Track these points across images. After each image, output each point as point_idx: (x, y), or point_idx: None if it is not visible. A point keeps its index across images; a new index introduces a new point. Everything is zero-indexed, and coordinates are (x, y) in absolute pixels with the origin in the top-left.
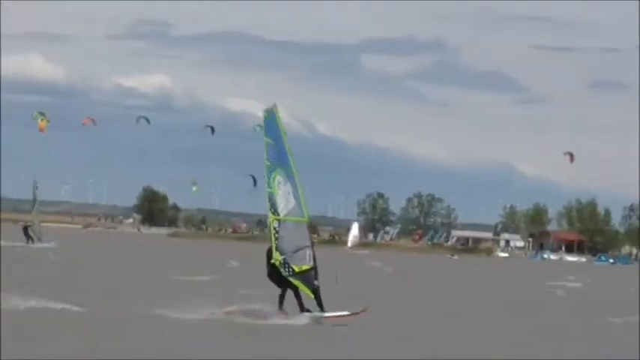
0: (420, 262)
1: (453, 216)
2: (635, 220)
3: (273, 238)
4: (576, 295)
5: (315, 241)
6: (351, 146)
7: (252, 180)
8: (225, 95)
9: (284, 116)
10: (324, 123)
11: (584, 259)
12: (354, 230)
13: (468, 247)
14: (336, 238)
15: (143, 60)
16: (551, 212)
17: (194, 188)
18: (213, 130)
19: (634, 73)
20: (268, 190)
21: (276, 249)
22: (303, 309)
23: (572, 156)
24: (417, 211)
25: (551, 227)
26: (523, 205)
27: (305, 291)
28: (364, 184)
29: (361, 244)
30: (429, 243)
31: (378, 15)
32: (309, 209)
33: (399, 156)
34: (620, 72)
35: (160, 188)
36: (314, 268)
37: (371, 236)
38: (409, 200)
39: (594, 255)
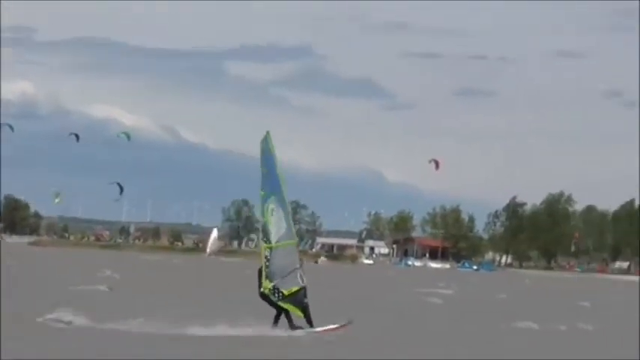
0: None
1: (317, 223)
2: (498, 227)
3: (264, 267)
4: (454, 302)
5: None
6: (215, 153)
7: (117, 188)
8: (90, 102)
9: (147, 123)
10: (189, 129)
11: (447, 266)
12: (213, 237)
13: (333, 253)
14: (200, 245)
15: (5, 66)
16: (416, 219)
17: (57, 200)
18: (77, 137)
19: (500, 80)
20: (263, 219)
21: (267, 276)
22: (293, 327)
23: (437, 163)
24: None
25: (416, 234)
26: (388, 212)
27: (295, 312)
28: (229, 191)
29: (226, 251)
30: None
31: (244, 22)
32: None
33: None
34: (487, 79)
35: (22, 196)
36: (303, 287)
37: (236, 243)
38: None
39: (458, 261)
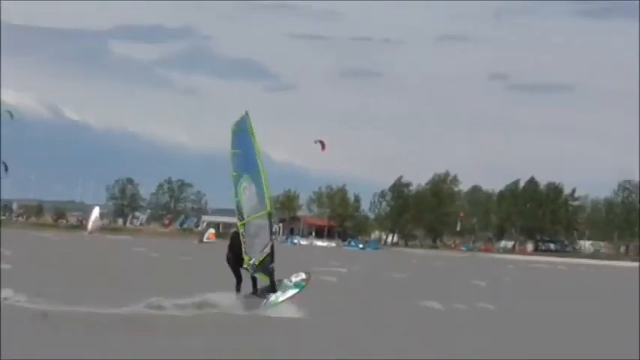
0: (181, 247)
1: (203, 201)
2: (384, 207)
3: (242, 244)
4: (351, 281)
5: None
6: (100, 132)
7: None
8: None
9: (31, 102)
10: (73, 108)
11: (333, 244)
12: (95, 215)
13: (220, 232)
14: (84, 223)
15: None
16: (302, 198)
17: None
18: None
19: (385, 62)
20: (235, 199)
21: (245, 253)
22: (255, 292)
23: (323, 144)
24: (167, 196)
25: (302, 213)
26: (274, 191)
27: (262, 278)
28: (114, 169)
29: (111, 228)
30: (180, 228)
31: (127, 2)
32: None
33: (149, 142)
34: (371, 60)
35: None
36: (271, 254)
37: (120, 221)
38: (159, 186)
39: (344, 240)
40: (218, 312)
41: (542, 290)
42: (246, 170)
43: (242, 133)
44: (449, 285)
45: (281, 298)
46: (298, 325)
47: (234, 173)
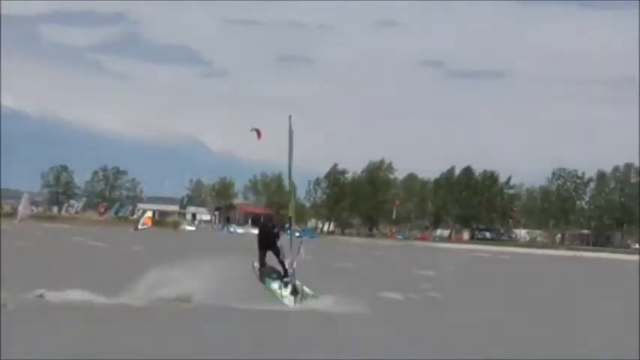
0: (120, 235)
1: (138, 189)
2: (320, 195)
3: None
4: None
5: None
6: (34, 119)
7: None
8: None
9: None
10: (6, 95)
11: None
12: (24, 202)
13: (155, 219)
14: (17, 210)
15: None
16: (238, 186)
17: None
18: None
19: (318, 48)
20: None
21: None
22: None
23: (259, 133)
24: (102, 184)
25: (238, 201)
26: (209, 179)
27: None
28: (48, 157)
29: (46, 216)
30: (115, 216)
31: None
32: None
33: (84, 129)
34: (305, 46)
35: None
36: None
37: (55, 209)
38: (94, 173)
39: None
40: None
41: (491, 279)
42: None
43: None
44: (398, 275)
45: (284, 295)
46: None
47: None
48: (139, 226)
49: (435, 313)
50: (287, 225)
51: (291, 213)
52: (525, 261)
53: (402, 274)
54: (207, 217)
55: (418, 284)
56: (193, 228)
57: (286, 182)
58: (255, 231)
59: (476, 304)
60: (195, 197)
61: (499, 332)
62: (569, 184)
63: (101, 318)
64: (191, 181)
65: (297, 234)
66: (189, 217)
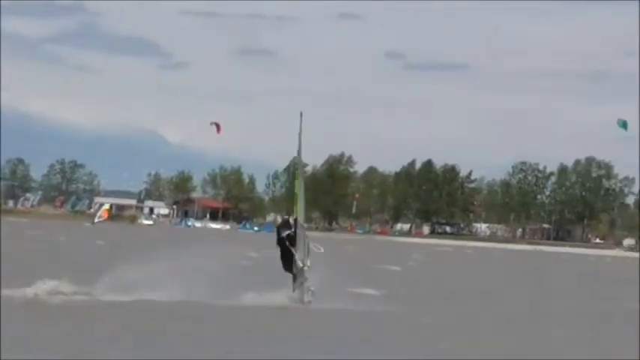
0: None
1: (95, 182)
2: (279, 188)
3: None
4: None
5: None
6: None
7: None
8: None
9: None
10: None
11: (228, 227)
12: None
13: (112, 213)
14: None
15: None
16: (196, 179)
17: None
18: None
19: (279, 40)
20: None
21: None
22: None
23: (218, 127)
24: (59, 177)
25: (196, 194)
26: (167, 172)
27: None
28: (4, 149)
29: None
30: (71, 210)
31: None
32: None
33: (40, 121)
34: (266, 39)
35: None
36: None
37: (11, 203)
38: (51, 166)
39: (239, 222)
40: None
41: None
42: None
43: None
44: (366, 270)
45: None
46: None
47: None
48: (96, 220)
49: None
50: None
51: (299, 213)
52: (491, 255)
53: (369, 270)
54: (165, 211)
55: (388, 280)
56: (151, 222)
57: (245, 176)
58: (215, 225)
59: (445, 301)
60: (153, 191)
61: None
62: (530, 177)
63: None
64: (149, 174)
65: (257, 228)
66: (146, 210)
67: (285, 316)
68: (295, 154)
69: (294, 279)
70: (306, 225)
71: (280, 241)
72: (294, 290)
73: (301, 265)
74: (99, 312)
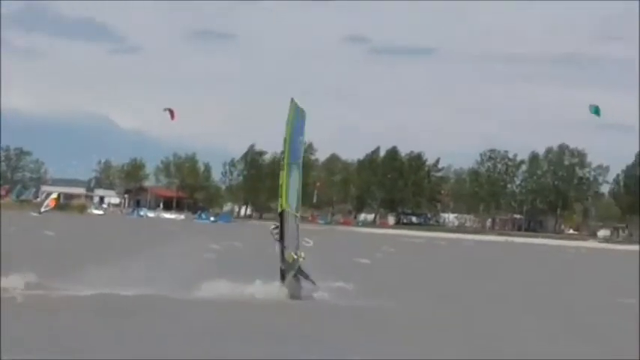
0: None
1: (42, 171)
2: (236, 177)
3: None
4: (234, 258)
5: None
6: None
7: None
8: None
9: None
10: None
11: (182, 217)
12: None
13: (60, 203)
14: None
15: None
16: (149, 167)
17: None
18: None
19: (236, 23)
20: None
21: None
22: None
23: (172, 113)
24: (3, 165)
25: (149, 183)
26: (119, 160)
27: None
28: None
29: None
30: (16, 199)
31: None
32: None
33: None
34: (223, 22)
35: None
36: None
37: None
38: None
39: (194, 212)
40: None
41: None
42: (296, 163)
43: (298, 119)
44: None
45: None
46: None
47: (291, 162)
48: (42, 209)
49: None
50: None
51: (287, 204)
52: (464, 247)
53: (339, 263)
54: (116, 200)
55: (359, 273)
56: (101, 212)
57: (200, 163)
58: (169, 215)
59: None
60: (103, 179)
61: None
62: (499, 166)
63: None
64: (99, 162)
65: (213, 218)
66: (97, 200)
67: (262, 311)
68: (252, 142)
69: (283, 274)
70: (264, 215)
71: None
72: (287, 286)
73: (295, 257)
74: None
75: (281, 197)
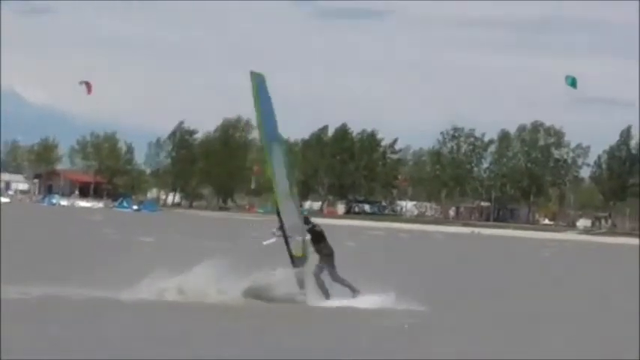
0: None
1: None
2: (163, 159)
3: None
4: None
5: None
6: None
7: None
8: None
9: None
10: None
11: (101, 205)
12: None
13: None
14: None
15: None
16: (62, 148)
17: None
18: None
19: None
20: (276, 170)
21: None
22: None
23: (89, 86)
24: None
25: (62, 166)
26: (27, 140)
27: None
28: None
29: None
30: None
31: None
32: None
33: None
34: None
35: None
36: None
37: None
38: None
39: (115, 200)
40: None
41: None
42: (276, 139)
43: (264, 91)
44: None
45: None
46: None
47: (269, 141)
48: None
49: None
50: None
51: (278, 202)
52: (434, 241)
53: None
54: (24, 186)
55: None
56: (7, 200)
57: (122, 144)
58: (85, 203)
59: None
60: (9, 162)
61: None
62: (464, 146)
63: None
64: (5, 142)
65: (136, 206)
66: (2, 185)
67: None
68: (182, 118)
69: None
70: (195, 203)
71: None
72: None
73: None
74: None
75: (274, 193)
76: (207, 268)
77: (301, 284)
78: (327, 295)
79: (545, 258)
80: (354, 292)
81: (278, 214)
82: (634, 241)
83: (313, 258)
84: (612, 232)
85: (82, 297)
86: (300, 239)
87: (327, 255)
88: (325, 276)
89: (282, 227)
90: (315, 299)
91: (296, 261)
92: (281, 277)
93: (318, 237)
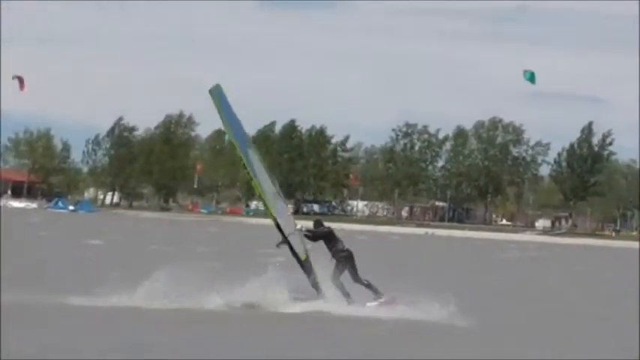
0: None
1: None
2: (101, 157)
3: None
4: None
5: None
6: None
7: None
8: None
9: None
10: None
11: (35, 205)
12: None
13: None
14: None
15: None
16: None
17: None
18: None
19: None
20: (258, 179)
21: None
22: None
23: (22, 81)
24: None
25: None
26: None
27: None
28: None
29: None
30: None
31: None
32: None
33: None
34: None
35: None
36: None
37: None
38: None
39: (49, 200)
40: None
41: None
42: (249, 145)
43: (225, 102)
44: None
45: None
46: None
47: (244, 150)
48: None
49: None
50: None
51: (273, 213)
52: (391, 242)
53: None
54: None
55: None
56: None
57: (57, 141)
58: (18, 204)
59: None
60: None
61: None
62: (418, 143)
63: None
64: None
65: (72, 207)
66: None
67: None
68: (121, 114)
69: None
70: (135, 203)
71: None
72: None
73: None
74: None
75: (266, 208)
76: (166, 274)
77: (317, 288)
78: (348, 298)
79: (514, 260)
80: (377, 294)
81: (277, 225)
82: (594, 242)
83: (313, 258)
84: (573, 232)
85: (57, 303)
86: (299, 240)
87: (344, 256)
88: (345, 278)
89: (280, 227)
90: (335, 304)
91: (305, 265)
92: (273, 276)
93: (329, 238)
